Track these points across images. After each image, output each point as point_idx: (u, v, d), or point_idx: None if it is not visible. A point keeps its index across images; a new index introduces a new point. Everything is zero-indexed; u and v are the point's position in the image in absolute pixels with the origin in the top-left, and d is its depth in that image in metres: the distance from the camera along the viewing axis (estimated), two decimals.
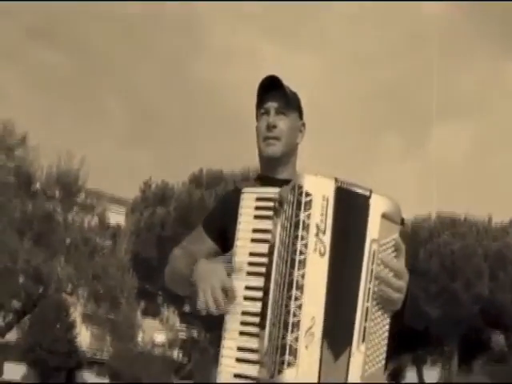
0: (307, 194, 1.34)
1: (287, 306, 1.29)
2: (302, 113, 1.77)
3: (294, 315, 1.29)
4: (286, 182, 1.48)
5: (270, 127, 1.65)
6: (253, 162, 21.92)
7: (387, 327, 1.39)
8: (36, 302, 9.86)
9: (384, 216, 1.39)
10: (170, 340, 26.40)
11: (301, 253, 1.31)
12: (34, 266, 9.20)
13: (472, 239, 22.23)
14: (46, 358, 40.42)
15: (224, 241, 1.53)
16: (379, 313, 1.38)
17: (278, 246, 1.36)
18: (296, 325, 1.29)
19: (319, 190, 1.36)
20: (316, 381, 1.28)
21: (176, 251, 1.66)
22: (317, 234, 1.34)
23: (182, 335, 25.81)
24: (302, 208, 1.33)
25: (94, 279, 10.11)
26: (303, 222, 1.32)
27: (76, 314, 12.16)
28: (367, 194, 1.40)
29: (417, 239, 22.95)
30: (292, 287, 1.30)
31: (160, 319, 25.35)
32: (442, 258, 21.80)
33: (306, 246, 1.32)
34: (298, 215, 1.32)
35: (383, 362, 1.38)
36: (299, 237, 1.31)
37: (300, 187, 1.34)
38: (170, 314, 24.24)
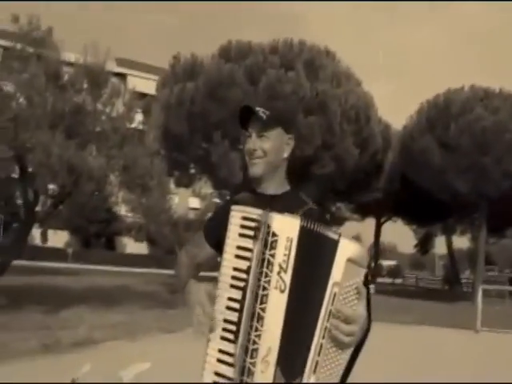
0: (273, 235, 1.48)
1: (249, 333, 1.48)
2: (290, 125, 1.84)
3: (254, 343, 1.47)
4: (272, 197, 1.75)
5: (251, 151, 1.77)
6: (282, 34, 21.22)
7: (341, 361, 1.52)
8: (70, 192, 10.63)
9: (349, 260, 1.49)
10: (205, 206, 27.57)
11: (264, 288, 1.47)
12: (66, 159, 9.80)
13: (505, 114, 21.71)
14: (87, 225, 43.26)
15: (221, 247, 1.61)
16: (333, 349, 1.51)
17: (254, 268, 1.51)
18: (255, 351, 1.47)
19: (285, 230, 1.48)
20: None
21: (181, 256, 1.89)
22: (279, 273, 1.47)
23: (216, 202, 27.06)
24: (268, 247, 1.48)
25: (124, 169, 10.71)
26: (268, 260, 1.47)
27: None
28: (336, 237, 1.51)
29: (448, 113, 22.64)
30: (254, 318, 1.47)
31: (193, 189, 26.51)
32: (474, 133, 21.57)
33: (268, 282, 1.47)
34: (264, 253, 1.48)
35: None
36: (263, 273, 1.47)
37: (268, 227, 1.48)
38: (202, 183, 25.28)
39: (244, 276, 1.51)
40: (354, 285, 1.50)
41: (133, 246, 47.18)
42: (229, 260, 1.55)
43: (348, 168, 20.15)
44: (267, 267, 1.48)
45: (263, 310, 1.47)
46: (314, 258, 1.50)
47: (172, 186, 22.52)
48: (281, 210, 1.56)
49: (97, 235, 45.28)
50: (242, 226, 1.54)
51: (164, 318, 11.58)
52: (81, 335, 8.24)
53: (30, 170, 10.63)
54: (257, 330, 1.47)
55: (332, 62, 21.54)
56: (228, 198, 2.08)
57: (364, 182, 24.91)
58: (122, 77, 52.17)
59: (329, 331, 1.48)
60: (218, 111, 19.94)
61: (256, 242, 1.50)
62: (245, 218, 1.54)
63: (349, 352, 1.53)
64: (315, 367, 1.48)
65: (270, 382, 1.47)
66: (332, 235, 1.52)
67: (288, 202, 1.75)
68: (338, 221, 28.52)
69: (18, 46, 10.78)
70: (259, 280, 1.48)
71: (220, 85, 19.93)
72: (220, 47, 21.71)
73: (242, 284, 1.52)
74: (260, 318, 1.47)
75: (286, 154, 1.81)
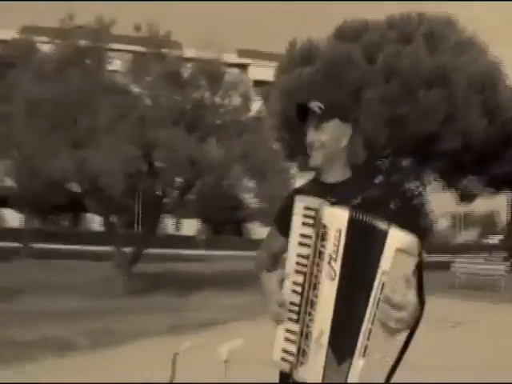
0: (324, 226, 1.60)
1: (304, 317, 1.63)
2: (347, 114, 1.87)
3: (308, 326, 1.61)
4: (332, 185, 1.83)
5: (310, 144, 1.85)
6: (398, 9, 20.46)
7: (390, 348, 1.57)
8: (194, 183, 11.23)
9: (399, 250, 1.52)
10: None
11: (316, 276, 1.61)
12: (187, 153, 10.36)
13: None
14: (216, 213, 44.81)
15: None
16: (383, 335, 1.55)
17: (311, 256, 1.62)
18: (308, 334, 1.61)
19: (334, 222, 1.59)
20: (320, 380, 1.59)
21: (258, 252, 2.04)
22: (329, 262, 1.59)
23: None
24: (320, 237, 1.60)
25: (243, 158, 11.08)
26: (320, 250, 1.60)
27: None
28: (385, 228, 1.55)
29: None
30: (308, 303, 1.62)
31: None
32: None
33: (320, 271, 1.60)
34: (316, 244, 1.61)
35: (382, 376, 1.57)
36: (315, 263, 1.61)
37: (320, 218, 1.61)
38: None
39: (305, 262, 1.64)
40: (403, 273, 1.53)
41: (260, 232, 48.44)
42: (293, 247, 1.67)
43: (476, 141, 19.01)
44: (319, 256, 1.61)
45: (316, 296, 1.61)
46: (363, 247, 1.58)
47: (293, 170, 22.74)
48: (339, 198, 1.68)
49: (226, 222, 47.07)
50: (304, 216, 1.65)
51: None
52: (206, 317, 8.75)
53: (156, 165, 11.35)
54: (310, 314, 1.62)
55: (454, 31, 20.43)
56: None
57: (495, 153, 23.34)
58: (243, 67, 53.61)
59: (378, 318, 1.54)
60: (338, 94, 19.79)
61: (314, 230, 1.63)
62: (306, 208, 1.66)
63: (399, 338, 1.57)
64: (364, 351, 1.55)
65: (322, 363, 1.60)
66: (381, 226, 1.56)
67: (347, 189, 1.80)
68: (468, 197, 26.93)
69: (143, 50, 11.50)
70: (313, 268, 1.61)
71: (337, 66, 19.74)
72: (335, 28, 21.48)
73: (304, 269, 1.64)
74: (313, 304, 1.62)
75: (344, 144, 1.86)
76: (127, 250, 12.73)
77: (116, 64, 12.00)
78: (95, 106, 10.40)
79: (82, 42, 10.47)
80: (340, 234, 1.59)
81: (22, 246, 23.41)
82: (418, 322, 1.59)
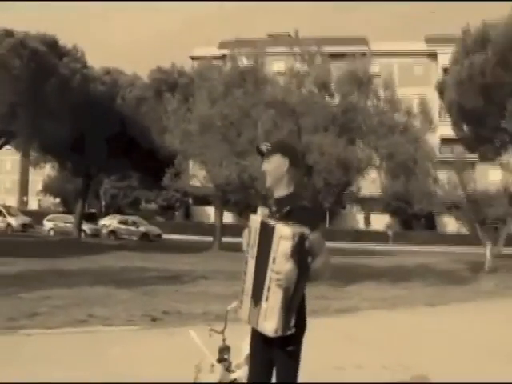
0: (251, 227, 2.83)
1: (243, 281, 2.86)
2: (286, 151, 2.95)
3: (243, 285, 2.85)
4: (277, 199, 2.92)
5: (263, 172, 2.98)
6: None
7: (279, 296, 2.65)
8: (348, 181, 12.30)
9: (280, 237, 2.66)
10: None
11: (247, 257, 2.85)
12: (336, 155, 11.47)
13: None
14: (404, 207, 44.17)
15: None
16: (275, 289, 2.66)
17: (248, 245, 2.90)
18: (242, 290, 2.84)
19: (254, 224, 2.81)
20: (246, 318, 2.80)
21: None
22: (252, 248, 2.80)
23: None
24: (250, 234, 2.84)
25: (389, 157, 11.82)
26: (250, 242, 2.84)
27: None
28: (273, 224, 2.69)
29: None
30: (243, 274, 2.84)
31: (499, 163, 25.26)
32: None
33: (248, 253, 2.84)
34: (249, 238, 2.84)
35: (277, 313, 2.66)
36: (248, 250, 2.85)
37: (250, 224, 2.85)
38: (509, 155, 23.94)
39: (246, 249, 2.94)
40: (283, 252, 2.65)
41: (454, 225, 46.62)
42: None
43: None
44: (249, 245, 2.86)
45: (245, 268, 2.87)
46: (265, 238, 2.73)
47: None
48: (278, 208, 2.86)
49: (415, 216, 46.31)
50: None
51: (439, 293, 12.28)
52: (348, 304, 9.80)
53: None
54: (243, 279, 2.89)
55: None
56: None
57: None
58: (432, 56, 52.13)
59: (271, 278, 2.68)
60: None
61: (248, 231, 2.90)
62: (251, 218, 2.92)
63: (283, 291, 2.66)
64: (266, 298, 2.72)
65: (248, 306, 2.80)
66: (272, 223, 2.71)
67: (284, 201, 2.91)
68: None
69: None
70: (247, 252, 2.88)
71: (510, 51, 18.95)
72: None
73: (246, 255, 2.94)
74: (245, 273, 2.88)
75: (284, 170, 2.91)
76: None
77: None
78: (255, 119, 12.08)
79: (244, 66, 12.25)
80: (256, 231, 2.81)
81: (213, 239, 26.53)
82: (299, 282, 2.71)
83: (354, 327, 8.22)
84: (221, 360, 3.52)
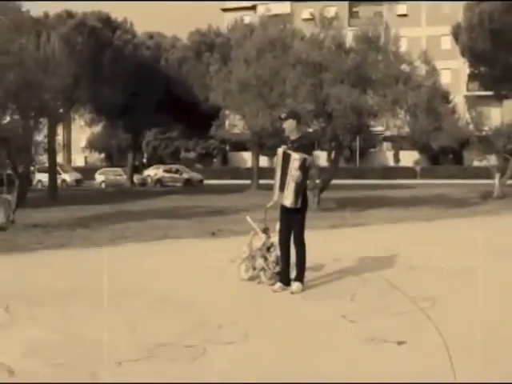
0: (278, 154, 5.99)
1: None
2: (294, 116, 6.00)
3: (275, 184, 6.03)
4: (292, 140, 5.91)
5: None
6: None
7: (292, 186, 5.68)
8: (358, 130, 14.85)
9: (294, 159, 5.69)
10: None
11: (276, 170, 6.03)
12: (350, 103, 13.98)
13: None
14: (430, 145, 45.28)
15: None
16: (291, 183, 5.69)
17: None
18: (275, 187, 6.04)
19: (279, 152, 5.94)
20: (277, 199, 5.99)
21: None
22: (278, 165, 6.00)
23: None
24: (278, 158, 6.00)
25: (393, 103, 14.29)
26: (277, 162, 6.04)
27: None
28: (290, 152, 5.72)
29: None
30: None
31: None
32: None
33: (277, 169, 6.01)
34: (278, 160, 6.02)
35: (292, 195, 5.72)
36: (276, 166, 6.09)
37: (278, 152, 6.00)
38: None
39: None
40: (296, 167, 5.63)
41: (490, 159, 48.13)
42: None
43: None
44: (278, 164, 5.89)
45: (275, 176, 5.91)
46: (286, 159, 5.74)
47: None
48: (292, 145, 5.82)
49: (444, 151, 48.07)
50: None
51: (441, 213, 14.98)
52: (360, 221, 12.64)
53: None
54: (275, 182, 5.92)
55: None
56: None
57: None
58: None
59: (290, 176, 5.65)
60: None
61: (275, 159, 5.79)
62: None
63: (295, 184, 5.66)
64: (287, 188, 5.74)
65: (277, 194, 5.68)
66: (289, 152, 5.71)
67: (295, 141, 5.89)
68: None
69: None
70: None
71: None
72: None
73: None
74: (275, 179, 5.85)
75: (294, 126, 5.92)
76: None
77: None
78: (284, 77, 14.67)
79: (272, 33, 14.76)
80: (279, 155, 5.85)
81: (251, 181, 29.47)
82: (301, 180, 5.62)
83: (357, 233, 11.16)
84: (264, 231, 6.40)
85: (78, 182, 39.52)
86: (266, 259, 6.32)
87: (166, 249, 9.57)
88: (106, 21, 21.86)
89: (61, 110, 16.94)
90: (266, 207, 6.38)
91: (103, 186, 38.50)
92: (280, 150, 5.90)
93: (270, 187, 6.48)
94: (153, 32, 27.80)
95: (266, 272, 6.27)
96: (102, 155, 61.59)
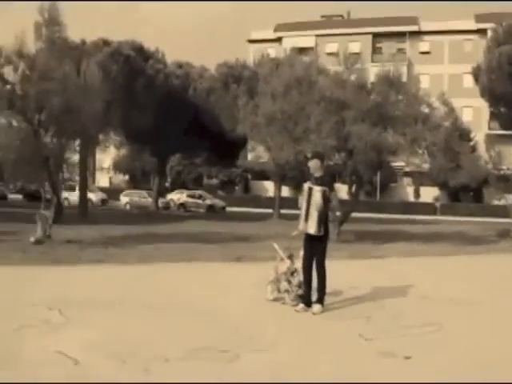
0: (304, 190, 6.83)
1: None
2: (319, 157, 6.89)
3: (301, 214, 6.80)
4: (316, 177, 6.70)
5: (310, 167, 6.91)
6: None
7: (315, 216, 6.50)
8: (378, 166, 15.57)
9: (317, 191, 6.60)
10: None
11: (301, 205, 6.81)
12: (371, 141, 14.73)
13: None
14: (452, 181, 45.61)
15: None
16: (313, 213, 6.53)
17: None
18: (300, 217, 6.78)
19: (305, 187, 6.78)
20: (302, 229, 6.73)
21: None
22: (304, 199, 6.75)
23: None
24: (304, 192, 6.81)
25: (412, 142, 15.01)
26: (303, 196, 6.81)
27: None
28: (313, 187, 6.65)
29: None
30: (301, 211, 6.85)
31: None
32: None
33: (303, 202, 6.78)
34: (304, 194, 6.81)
35: (315, 224, 6.52)
36: (301, 201, 6.85)
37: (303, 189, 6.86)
38: None
39: None
40: (319, 199, 6.43)
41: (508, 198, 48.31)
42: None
43: None
44: (304, 198, 6.66)
45: (301, 209, 6.65)
46: (310, 193, 6.54)
47: None
48: (316, 181, 6.62)
49: (465, 189, 48.41)
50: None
51: (457, 249, 15.50)
52: (380, 254, 13.27)
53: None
54: (301, 213, 6.64)
55: None
56: None
57: None
58: (482, 32, 53.34)
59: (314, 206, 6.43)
60: None
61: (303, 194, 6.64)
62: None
63: (317, 213, 6.49)
64: (310, 217, 6.56)
65: (302, 223, 6.40)
66: (313, 187, 6.52)
67: (318, 178, 6.70)
68: None
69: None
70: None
71: None
72: None
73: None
74: (301, 210, 6.62)
75: (319, 165, 6.73)
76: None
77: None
78: (308, 113, 15.51)
79: (298, 73, 15.69)
80: (306, 191, 6.66)
81: (273, 210, 30.21)
82: (323, 210, 6.40)
83: (374, 264, 11.77)
84: (289, 257, 7.11)
85: (103, 201, 40.51)
86: (289, 282, 7.01)
87: (196, 269, 10.31)
88: (140, 50, 23.08)
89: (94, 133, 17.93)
90: (292, 235, 7.09)
91: (128, 207, 39.49)
92: (306, 186, 6.66)
93: (291, 217, 7.27)
94: (182, 61, 29.03)
95: (289, 294, 6.96)
96: (126, 177, 62.93)
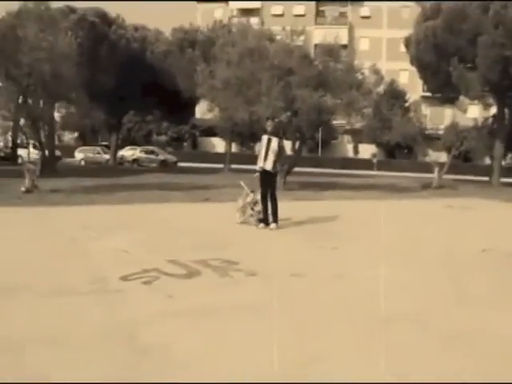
0: (263, 139, 9.70)
1: None
2: (273, 119, 9.90)
3: (260, 157, 9.68)
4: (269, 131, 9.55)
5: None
6: None
7: (271, 157, 9.35)
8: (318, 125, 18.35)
9: (269, 140, 9.44)
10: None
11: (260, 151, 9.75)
12: (313, 103, 17.45)
13: None
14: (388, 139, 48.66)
15: None
16: (271, 154, 9.37)
17: None
18: (259, 159, 9.69)
19: (265, 137, 9.63)
20: (262, 166, 9.49)
21: None
22: (262, 146, 9.60)
23: None
24: (263, 141, 9.66)
25: (347, 105, 17.88)
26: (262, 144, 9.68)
27: None
28: (268, 136, 9.43)
29: None
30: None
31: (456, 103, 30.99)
32: None
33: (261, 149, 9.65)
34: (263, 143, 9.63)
35: (271, 163, 9.35)
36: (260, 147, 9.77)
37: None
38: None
39: None
40: (274, 148, 9.22)
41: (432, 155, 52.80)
42: None
43: None
44: (262, 146, 9.49)
45: (260, 153, 9.54)
46: (269, 141, 9.35)
47: None
48: (271, 134, 9.45)
49: (399, 146, 52.35)
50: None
51: (381, 194, 18.70)
52: (318, 197, 16.20)
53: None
54: (260, 156, 9.51)
55: None
56: None
57: None
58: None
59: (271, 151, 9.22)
60: (455, 41, 24.78)
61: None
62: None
63: (274, 155, 9.34)
64: (268, 158, 9.40)
65: (262, 162, 9.27)
66: (273, 138, 9.39)
67: (273, 133, 9.51)
68: None
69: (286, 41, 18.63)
70: None
71: (455, 19, 24.55)
72: None
73: None
74: (259, 154, 9.60)
75: (273, 124, 9.66)
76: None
77: None
78: (260, 79, 18.02)
79: (250, 43, 18.09)
80: (265, 140, 9.48)
81: (224, 164, 32.80)
82: (277, 154, 9.18)
83: (312, 204, 14.74)
84: (252, 191, 9.84)
85: (56, 158, 41.65)
86: (253, 209, 9.76)
87: (174, 207, 12.91)
88: (103, 16, 24.74)
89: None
90: (254, 176, 9.80)
91: (82, 163, 40.96)
92: (265, 137, 9.37)
93: (241, 170, 10.03)
94: (138, 25, 30.64)
95: (253, 217, 9.71)
96: (76, 134, 63.64)
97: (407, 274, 6.33)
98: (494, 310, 4.91)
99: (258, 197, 9.71)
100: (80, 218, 10.64)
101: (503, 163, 29.32)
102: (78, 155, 42.27)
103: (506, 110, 28.58)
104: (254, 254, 7.34)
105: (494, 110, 30.33)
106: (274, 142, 9.29)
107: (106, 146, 45.79)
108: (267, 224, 9.41)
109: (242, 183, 10.16)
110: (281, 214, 9.63)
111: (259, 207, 9.66)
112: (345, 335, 4.13)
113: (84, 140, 59.64)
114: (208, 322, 4.29)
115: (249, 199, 9.83)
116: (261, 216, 9.59)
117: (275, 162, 9.29)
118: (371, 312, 4.65)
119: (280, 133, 9.55)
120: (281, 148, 9.34)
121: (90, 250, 7.24)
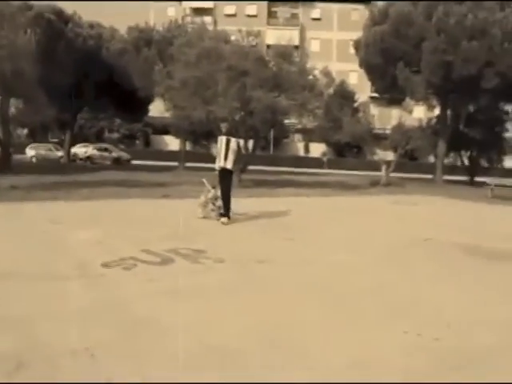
0: (221, 140, 10.42)
1: None
2: (229, 123, 11.04)
3: (219, 157, 10.34)
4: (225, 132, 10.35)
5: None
6: None
7: (231, 157, 10.07)
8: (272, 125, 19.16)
9: (232, 141, 10.18)
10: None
11: (219, 151, 10.32)
12: (267, 104, 18.21)
13: None
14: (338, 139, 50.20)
15: None
16: (230, 155, 10.07)
17: None
18: (219, 159, 10.27)
19: (222, 138, 10.37)
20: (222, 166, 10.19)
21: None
22: (221, 145, 10.27)
23: None
24: (222, 142, 10.36)
25: (300, 106, 18.75)
26: (221, 144, 10.39)
27: None
28: (229, 138, 10.16)
29: None
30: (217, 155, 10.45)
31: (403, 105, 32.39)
32: None
33: (220, 149, 10.27)
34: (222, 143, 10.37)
35: (231, 161, 10.08)
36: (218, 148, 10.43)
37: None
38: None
39: None
40: (233, 149, 9.96)
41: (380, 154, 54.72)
42: None
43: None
44: (221, 146, 10.22)
45: (219, 153, 10.23)
46: (227, 142, 10.09)
47: None
48: (228, 134, 10.31)
49: (349, 146, 54.03)
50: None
51: (320, 192, 19.70)
52: (273, 194, 16.99)
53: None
54: (219, 156, 10.10)
55: None
56: None
57: None
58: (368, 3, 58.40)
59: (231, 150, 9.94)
60: (402, 46, 26.09)
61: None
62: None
63: (233, 155, 10.08)
64: (228, 158, 10.08)
65: (221, 161, 9.94)
66: (232, 138, 10.17)
67: (228, 132, 10.32)
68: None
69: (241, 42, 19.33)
70: None
71: (401, 24, 25.84)
72: None
73: None
74: (219, 154, 10.14)
75: (229, 127, 10.61)
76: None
77: None
78: (217, 79, 18.66)
79: (207, 45, 18.71)
80: (223, 140, 10.22)
81: (179, 162, 33.22)
82: (236, 153, 9.92)
83: (270, 200, 15.52)
84: (213, 187, 10.51)
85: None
86: (214, 204, 10.43)
87: (135, 202, 13.42)
88: (59, 13, 24.73)
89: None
90: (215, 172, 10.47)
91: (34, 160, 40.40)
92: (224, 138, 10.11)
93: (195, 169, 10.74)
94: (93, 22, 30.65)
95: (214, 212, 10.39)
96: (25, 131, 62.42)
97: (363, 259, 7.26)
98: (432, 284, 5.98)
99: (219, 193, 10.38)
100: (47, 212, 11.02)
101: (446, 161, 30.95)
102: (30, 152, 41.60)
103: (449, 112, 30.27)
104: (218, 244, 8.02)
105: (437, 111, 32.01)
106: (233, 142, 10.06)
107: (57, 142, 45.25)
108: (229, 218, 10.11)
109: (204, 180, 10.82)
110: (238, 209, 10.35)
111: (220, 202, 10.33)
112: (315, 306, 4.94)
113: (34, 137, 58.64)
114: (190, 300, 4.97)
115: (210, 195, 10.50)
116: (221, 211, 10.27)
117: (235, 161, 10.03)
118: (339, 288, 5.60)
119: (236, 133, 10.29)
120: (239, 148, 10.10)
121: (66, 241, 7.75)
